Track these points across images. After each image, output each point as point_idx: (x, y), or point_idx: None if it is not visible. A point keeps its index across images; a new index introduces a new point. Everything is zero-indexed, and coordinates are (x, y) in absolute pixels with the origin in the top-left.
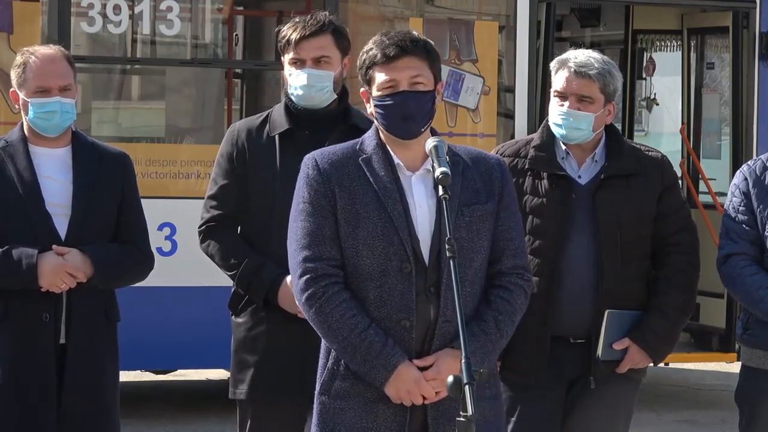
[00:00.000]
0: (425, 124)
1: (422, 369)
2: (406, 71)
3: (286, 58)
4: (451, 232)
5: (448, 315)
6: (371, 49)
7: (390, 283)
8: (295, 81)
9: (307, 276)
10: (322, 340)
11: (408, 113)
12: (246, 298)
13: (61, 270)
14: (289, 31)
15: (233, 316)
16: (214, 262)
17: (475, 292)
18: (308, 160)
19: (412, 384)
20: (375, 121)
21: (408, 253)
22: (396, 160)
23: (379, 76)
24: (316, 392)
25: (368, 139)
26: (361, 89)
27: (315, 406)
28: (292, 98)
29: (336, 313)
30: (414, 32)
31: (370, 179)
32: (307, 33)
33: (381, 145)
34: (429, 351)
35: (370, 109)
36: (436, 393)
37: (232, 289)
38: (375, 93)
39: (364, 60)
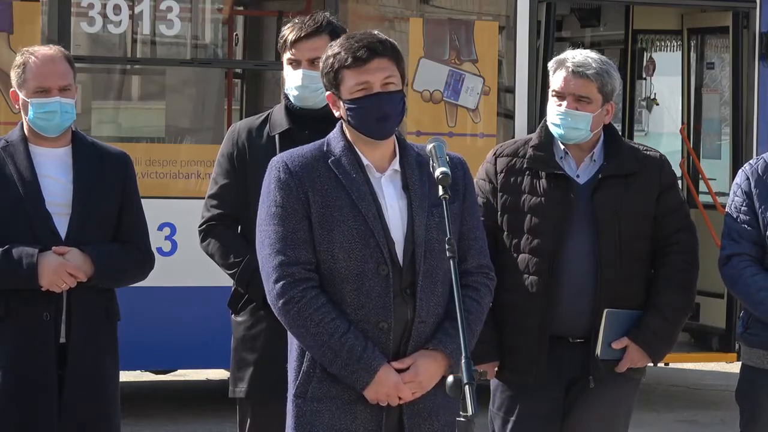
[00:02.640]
0: (398, 124)
1: (399, 370)
2: (378, 73)
3: (284, 58)
4: (451, 233)
5: (423, 316)
6: (338, 52)
7: (367, 286)
8: (291, 81)
9: (284, 281)
10: (292, 343)
11: (383, 114)
12: (245, 297)
13: (61, 269)
14: (287, 32)
15: (233, 315)
16: (214, 261)
17: (446, 292)
18: (277, 163)
19: (392, 387)
20: (344, 123)
21: (384, 255)
22: (365, 161)
23: (350, 79)
24: (290, 395)
25: (335, 141)
26: (327, 92)
27: (289, 409)
28: (290, 98)
29: (315, 317)
30: (378, 33)
31: (343, 182)
32: (303, 34)
33: (349, 147)
34: (405, 352)
35: (338, 111)
36: (412, 393)
37: (232, 288)
38: (347, 96)
39: (331, 63)
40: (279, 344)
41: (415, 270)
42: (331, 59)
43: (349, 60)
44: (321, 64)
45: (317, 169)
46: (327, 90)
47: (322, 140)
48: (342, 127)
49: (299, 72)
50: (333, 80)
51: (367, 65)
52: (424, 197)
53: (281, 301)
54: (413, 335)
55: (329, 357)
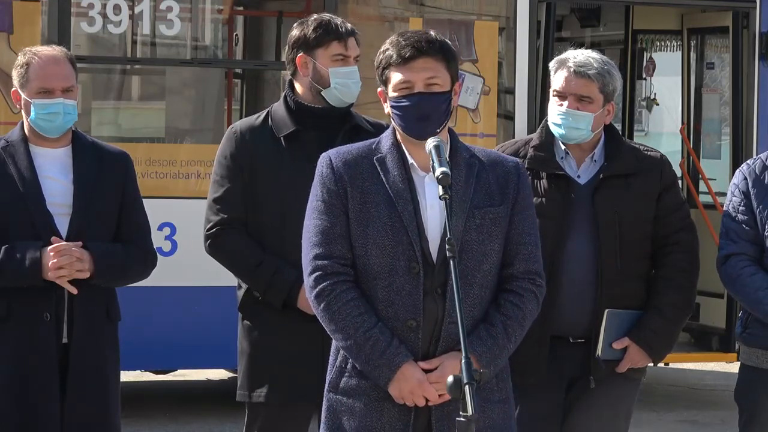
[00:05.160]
0: (441, 125)
1: (428, 371)
2: (421, 72)
3: (325, 53)
4: (452, 233)
5: (454, 316)
6: (387, 49)
7: (398, 283)
8: (345, 76)
9: (317, 273)
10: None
11: (423, 114)
12: (258, 301)
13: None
14: (326, 28)
15: (244, 320)
16: (225, 266)
17: (484, 295)
18: (323, 159)
19: (416, 385)
20: (392, 121)
21: (416, 253)
22: (410, 160)
23: (395, 77)
24: (325, 389)
25: (385, 139)
26: (378, 89)
27: (324, 403)
28: (332, 95)
29: (343, 311)
30: (432, 32)
31: (383, 179)
32: (350, 31)
33: (396, 145)
34: (435, 352)
35: (387, 109)
36: (439, 395)
37: (241, 292)
38: (391, 94)
39: (381, 60)
40: (296, 348)
41: (448, 270)
42: (381, 56)
43: (394, 58)
44: (376, 62)
45: (360, 166)
46: (378, 87)
47: (374, 139)
48: (393, 126)
49: (353, 67)
50: (381, 77)
51: (410, 64)
52: (466, 198)
53: (314, 293)
54: (443, 336)
55: (355, 351)
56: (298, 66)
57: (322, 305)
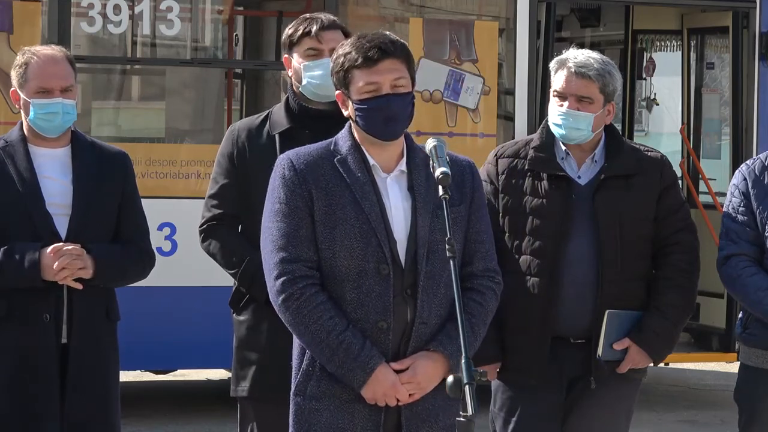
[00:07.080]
0: (406, 126)
1: (398, 371)
2: (388, 74)
3: (299, 50)
4: (451, 232)
5: (424, 317)
6: (349, 51)
7: (367, 285)
8: (315, 70)
9: (285, 278)
10: (294, 341)
11: (391, 115)
12: (247, 296)
13: (57, 257)
14: (302, 25)
15: (234, 314)
16: (215, 261)
17: (450, 295)
18: (283, 161)
19: (389, 387)
20: (353, 123)
21: (386, 255)
22: (371, 161)
23: (360, 79)
24: (291, 393)
25: (342, 140)
26: (336, 92)
27: (290, 407)
28: (308, 90)
29: (314, 315)
30: (390, 34)
31: (347, 180)
32: (327, 25)
33: (356, 146)
34: (405, 352)
35: (347, 111)
36: (410, 395)
37: (233, 287)
38: (356, 96)
39: (342, 63)
40: (281, 343)
41: (417, 271)
42: (342, 58)
43: (360, 60)
44: (332, 62)
45: (322, 168)
46: (336, 89)
47: (330, 139)
48: (350, 126)
49: (325, 60)
50: (343, 80)
51: (377, 66)
52: (429, 199)
53: (281, 298)
54: (413, 336)
55: (327, 354)
56: (287, 67)
57: (290, 310)
